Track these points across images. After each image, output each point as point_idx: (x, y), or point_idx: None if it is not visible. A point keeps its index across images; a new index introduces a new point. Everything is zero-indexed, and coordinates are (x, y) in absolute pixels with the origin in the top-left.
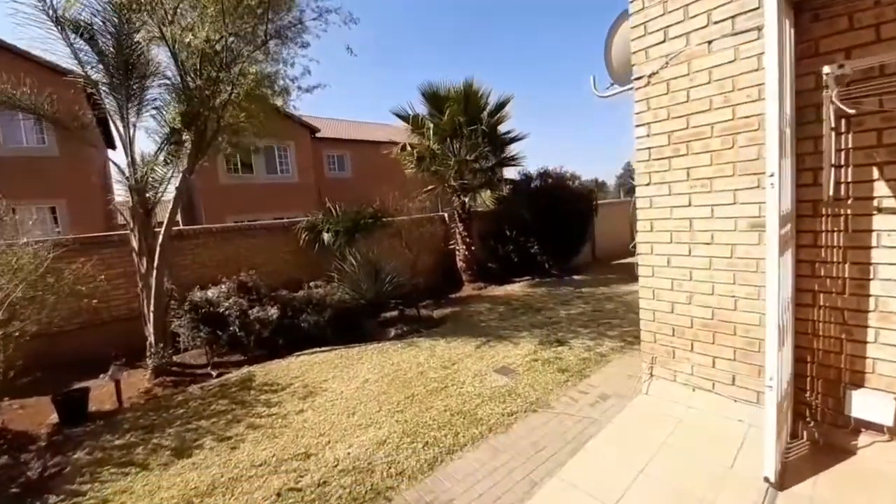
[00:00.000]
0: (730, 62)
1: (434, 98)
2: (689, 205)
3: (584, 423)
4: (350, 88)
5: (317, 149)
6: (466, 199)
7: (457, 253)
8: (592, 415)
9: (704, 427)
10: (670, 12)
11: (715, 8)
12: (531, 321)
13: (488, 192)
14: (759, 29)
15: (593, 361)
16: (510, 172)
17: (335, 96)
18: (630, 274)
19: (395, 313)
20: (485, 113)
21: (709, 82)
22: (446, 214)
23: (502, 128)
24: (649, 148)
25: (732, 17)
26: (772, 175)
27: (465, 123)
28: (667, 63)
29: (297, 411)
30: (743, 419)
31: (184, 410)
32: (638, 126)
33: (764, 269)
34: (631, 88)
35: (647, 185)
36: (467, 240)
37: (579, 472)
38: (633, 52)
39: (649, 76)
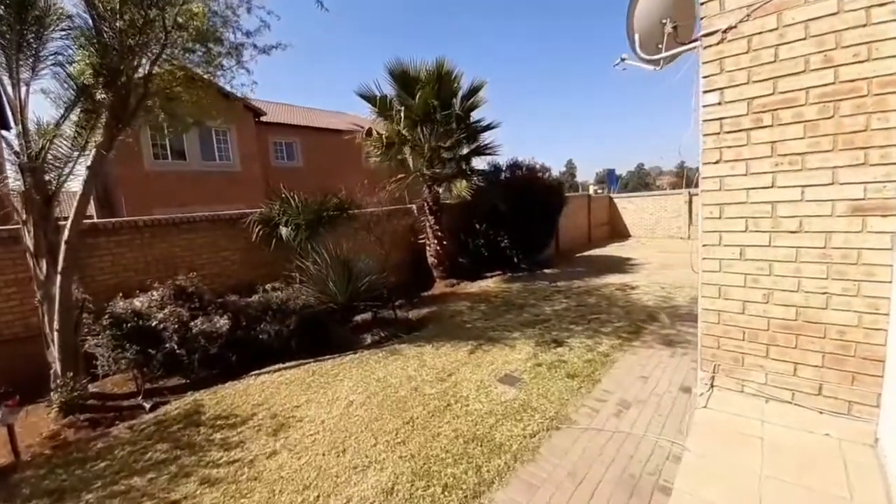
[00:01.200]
0: (832, 14)
1: (403, 78)
2: (773, 186)
3: (618, 440)
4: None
5: (261, 134)
6: (440, 190)
7: (427, 248)
8: (622, 427)
9: (793, 447)
10: None
11: None
12: (519, 320)
13: (464, 182)
14: None
15: (599, 363)
16: (479, 163)
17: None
18: (598, 267)
19: (367, 316)
20: (458, 97)
21: (804, 38)
22: (415, 206)
23: (475, 115)
24: (721, 119)
25: None
26: None
27: (438, 108)
28: (748, 15)
29: (267, 454)
30: (830, 433)
31: (107, 463)
32: (707, 92)
33: (867, 260)
34: (657, 57)
35: (717, 162)
36: (438, 234)
37: None
38: (703, 3)
39: (724, 31)
